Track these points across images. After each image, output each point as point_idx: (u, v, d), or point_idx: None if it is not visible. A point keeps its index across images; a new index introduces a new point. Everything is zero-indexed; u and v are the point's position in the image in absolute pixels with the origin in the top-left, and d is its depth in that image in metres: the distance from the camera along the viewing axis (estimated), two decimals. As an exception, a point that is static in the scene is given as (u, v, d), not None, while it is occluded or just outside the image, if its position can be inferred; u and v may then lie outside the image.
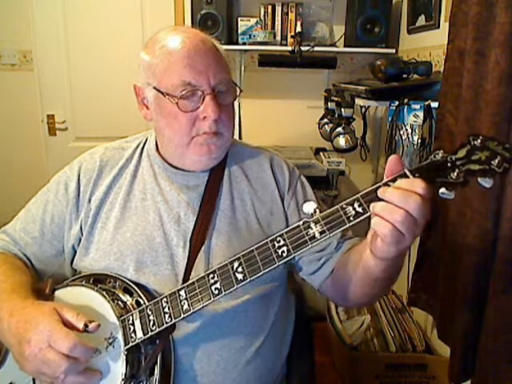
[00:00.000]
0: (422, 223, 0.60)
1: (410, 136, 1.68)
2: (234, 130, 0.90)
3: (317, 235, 0.64)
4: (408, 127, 1.68)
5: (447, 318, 1.45)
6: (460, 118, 1.34)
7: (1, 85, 2.63)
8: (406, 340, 1.80)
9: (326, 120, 2.26)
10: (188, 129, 0.82)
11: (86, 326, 0.70)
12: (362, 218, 0.62)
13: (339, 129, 2.03)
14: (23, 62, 2.61)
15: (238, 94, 0.87)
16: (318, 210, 0.64)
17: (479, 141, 0.60)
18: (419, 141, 1.66)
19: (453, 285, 1.38)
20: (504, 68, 1.13)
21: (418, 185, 0.59)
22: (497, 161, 0.58)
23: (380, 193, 0.60)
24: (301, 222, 0.65)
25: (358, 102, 1.95)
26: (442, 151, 0.62)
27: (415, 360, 1.75)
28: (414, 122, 1.65)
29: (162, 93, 0.82)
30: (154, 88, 0.83)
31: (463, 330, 1.32)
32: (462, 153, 0.60)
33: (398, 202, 0.58)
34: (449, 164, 0.60)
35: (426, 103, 1.62)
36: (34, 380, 0.79)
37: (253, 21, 2.28)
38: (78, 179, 0.91)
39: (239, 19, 2.28)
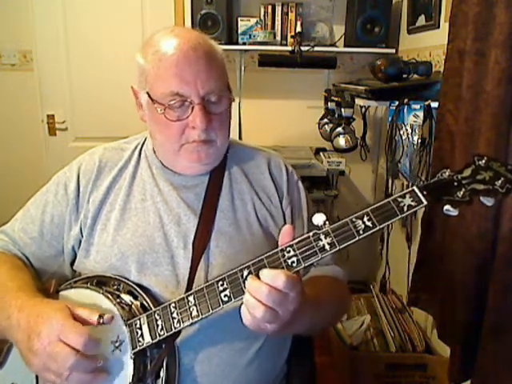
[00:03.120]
0: (287, 312, 0.63)
1: (410, 136, 1.68)
2: (228, 134, 0.90)
3: (326, 247, 0.65)
4: (408, 127, 1.68)
5: (447, 318, 1.45)
6: (460, 118, 1.34)
7: (1, 85, 2.63)
8: (406, 340, 1.80)
9: (326, 120, 2.26)
10: (177, 136, 0.83)
11: (100, 317, 0.70)
12: (371, 231, 0.63)
13: (339, 129, 2.03)
14: (23, 62, 2.61)
15: (232, 100, 0.86)
16: (327, 223, 0.66)
17: (483, 161, 0.63)
18: (419, 141, 1.66)
19: (453, 285, 1.38)
20: (504, 68, 1.13)
21: (280, 279, 0.61)
22: (500, 181, 0.61)
23: (247, 284, 0.64)
24: (311, 234, 0.66)
25: (358, 102, 1.94)
26: (448, 170, 0.64)
27: (415, 360, 1.74)
28: (414, 122, 1.65)
29: (152, 99, 0.82)
30: (147, 93, 0.83)
31: (463, 330, 1.32)
32: (467, 172, 0.63)
33: (261, 299, 0.61)
34: (455, 183, 0.62)
35: (426, 103, 1.62)
36: (37, 379, 0.78)
37: (253, 21, 2.28)
38: (78, 180, 0.91)
39: (239, 19, 2.28)
